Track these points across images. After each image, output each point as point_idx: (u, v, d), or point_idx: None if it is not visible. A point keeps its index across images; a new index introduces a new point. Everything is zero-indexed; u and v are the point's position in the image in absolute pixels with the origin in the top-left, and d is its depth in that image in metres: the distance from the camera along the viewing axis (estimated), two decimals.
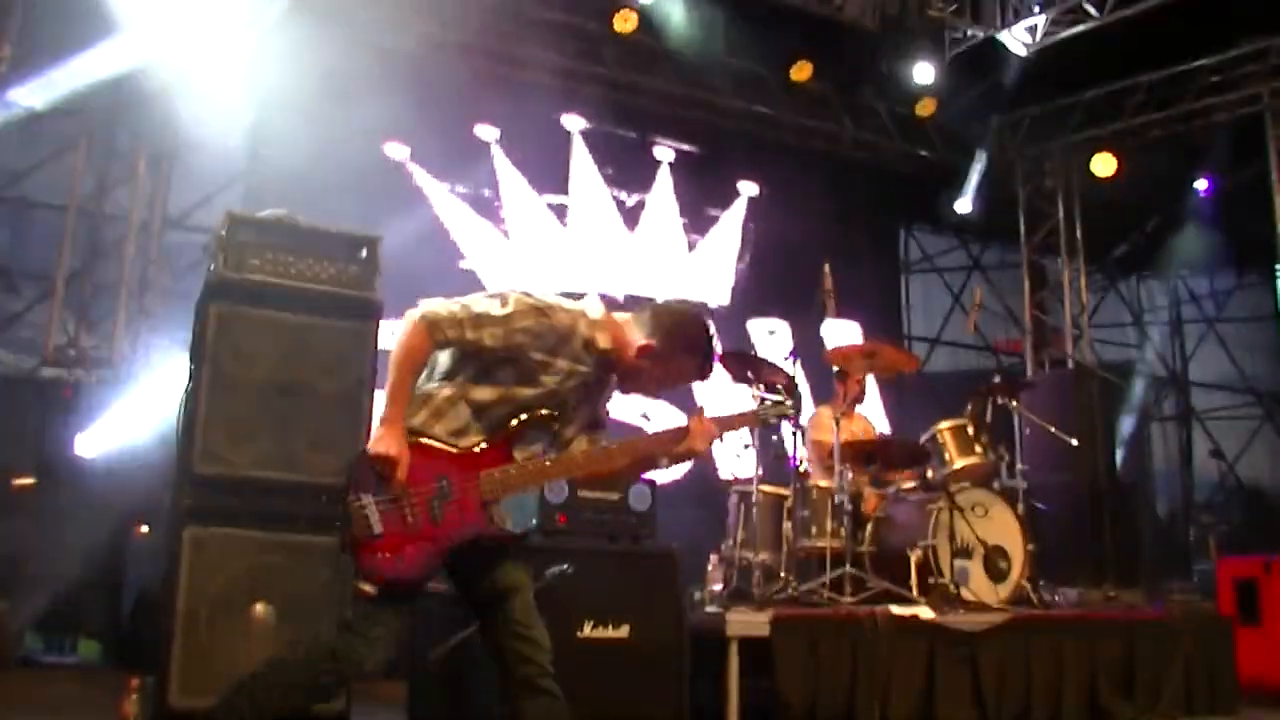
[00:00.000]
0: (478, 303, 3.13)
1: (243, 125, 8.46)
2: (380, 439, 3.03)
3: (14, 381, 8.05)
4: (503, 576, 3.17)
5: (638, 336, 3.27)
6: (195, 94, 8.20)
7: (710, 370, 3.38)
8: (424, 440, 3.11)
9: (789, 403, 3.70)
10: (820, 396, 7.65)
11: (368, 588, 3.00)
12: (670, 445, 3.28)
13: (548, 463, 3.21)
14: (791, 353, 6.21)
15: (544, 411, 3.20)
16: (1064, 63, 9.26)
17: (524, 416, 3.17)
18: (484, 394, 3.18)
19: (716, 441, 3.35)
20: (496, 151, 8.70)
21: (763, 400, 3.56)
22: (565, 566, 4.62)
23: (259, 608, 4.22)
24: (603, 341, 3.25)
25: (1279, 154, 9.31)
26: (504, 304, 3.12)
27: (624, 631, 4.71)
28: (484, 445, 3.15)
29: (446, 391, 3.17)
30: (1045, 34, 8.98)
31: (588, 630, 4.64)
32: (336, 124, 7.52)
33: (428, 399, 3.15)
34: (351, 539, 3.03)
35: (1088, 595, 6.83)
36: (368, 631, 3.05)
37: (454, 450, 3.12)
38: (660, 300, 3.40)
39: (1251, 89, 9.45)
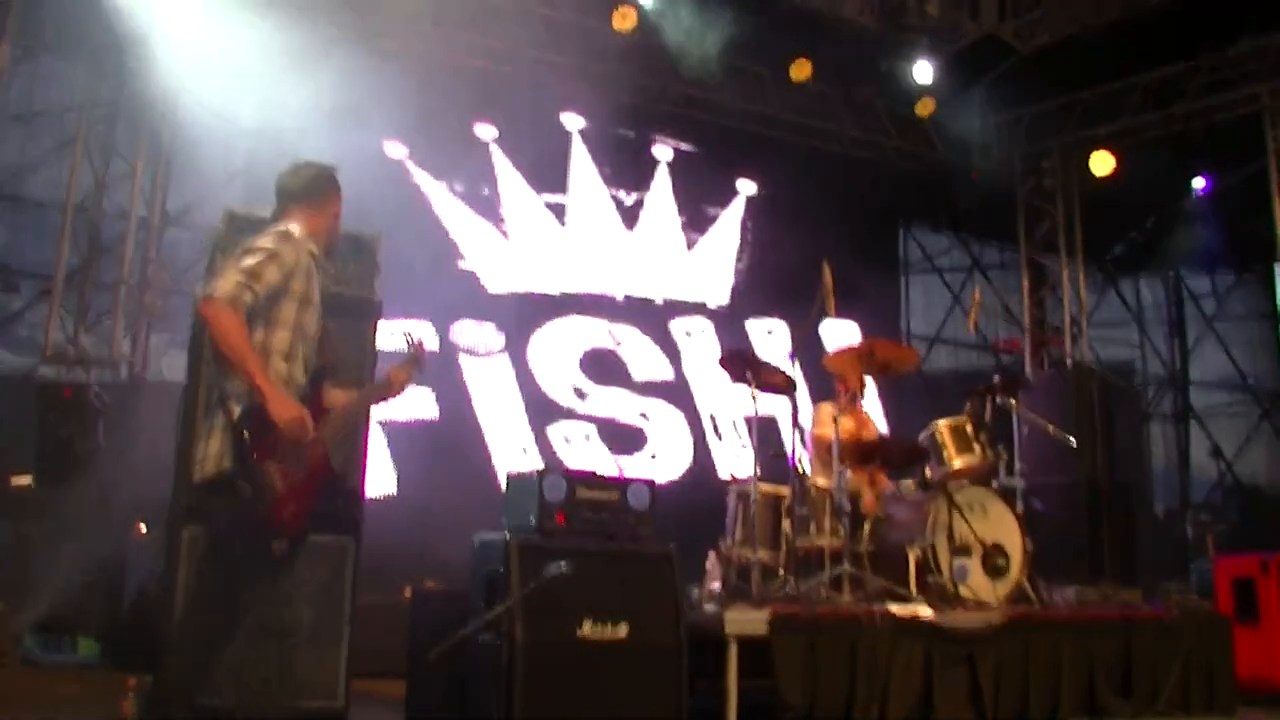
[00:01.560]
0: (243, 262, 3.43)
1: (242, 123, 8.46)
2: (279, 405, 3.28)
3: (13, 380, 8.05)
4: None
5: (301, 216, 3.70)
6: (194, 92, 8.20)
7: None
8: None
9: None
10: (819, 396, 7.64)
11: (280, 545, 3.32)
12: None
13: (346, 404, 3.76)
14: (790, 353, 6.21)
15: (314, 330, 3.61)
16: (1063, 62, 9.26)
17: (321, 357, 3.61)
18: (281, 336, 3.51)
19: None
20: (495, 150, 8.70)
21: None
22: (563, 566, 4.63)
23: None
24: (313, 244, 3.69)
25: (1277, 153, 9.31)
26: (261, 250, 3.46)
27: (622, 631, 4.70)
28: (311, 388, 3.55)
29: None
30: (1044, 33, 8.97)
31: (586, 630, 4.63)
32: (335, 123, 7.51)
33: None
34: (263, 504, 3.24)
35: (1086, 594, 6.81)
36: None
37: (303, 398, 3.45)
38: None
39: (1250, 88, 9.44)
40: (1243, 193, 10.23)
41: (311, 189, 3.78)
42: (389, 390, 3.98)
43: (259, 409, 3.27)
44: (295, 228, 3.62)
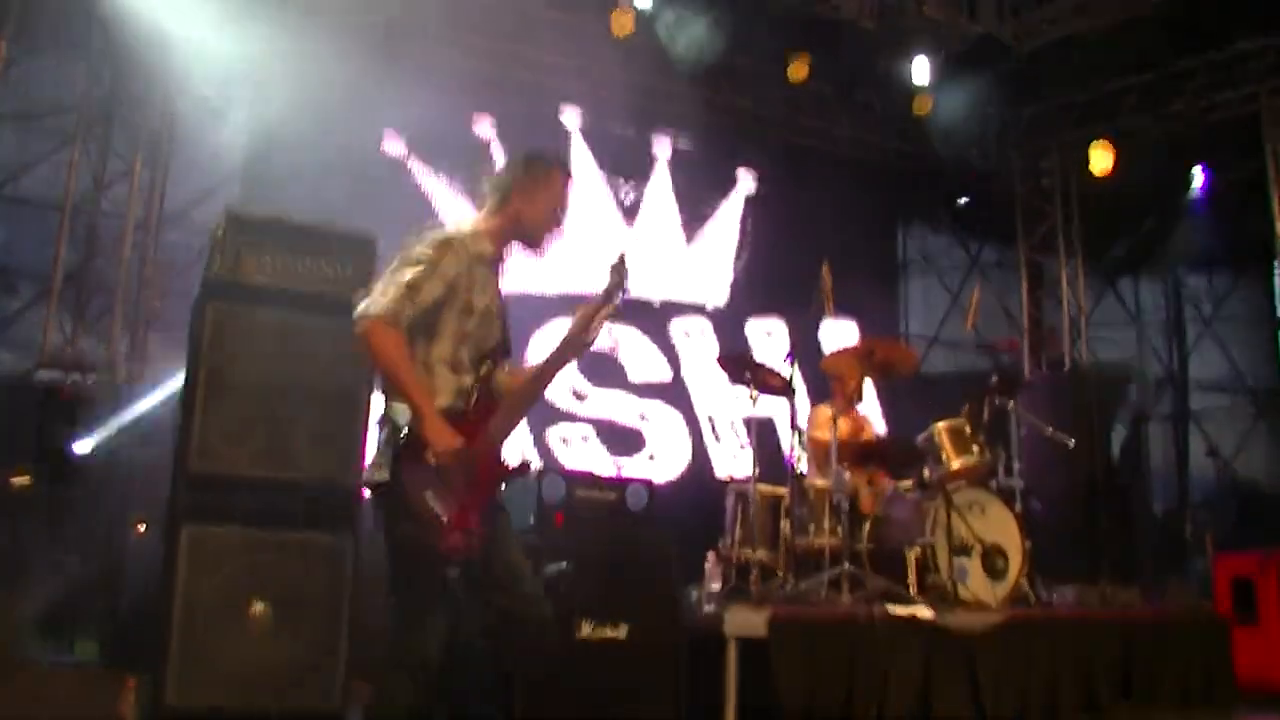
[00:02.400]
0: (402, 275, 3.28)
1: (240, 123, 8.45)
2: (442, 434, 3.14)
3: (11, 381, 8.04)
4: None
5: (495, 210, 3.52)
6: (192, 91, 8.20)
7: (569, 172, 3.61)
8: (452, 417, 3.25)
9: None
10: (818, 397, 7.64)
11: (452, 572, 3.20)
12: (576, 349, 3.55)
13: (521, 385, 3.48)
14: (789, 354, 6.20)
15: (492, 343, 3.44)
16: (1061, 61, 9.26)
17: (487, 362, 3.39)
18: (444, 347, 3.33)
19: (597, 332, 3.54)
20: (495, 148, 8.69)
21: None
22: (563, 566, 4.63)
23: (256, 606, 4.22)
24: (485, 243, 3.48)
25: (1275, 153, 9.32)
26: (421, 262, 3.29)
27: (622, 631, 4.71)
28: (474, 404, 3.32)
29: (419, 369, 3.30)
30: (1043, 32, 8.98)
31: (585, 630, 4.63)
32: (334, 121, 7.51)
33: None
34: (427, 533, 3.11)
35: (1085, 594, 6.82)
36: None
37: (462, 419, 3.25)
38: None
39: (1249, 88, 9.45)
40: (1241, 193, 10.23)
41: (512, 183, 3.53)
42: (577, 345, 3.53)
43: (419, 435, 3.15)
44: (465, 230, 3.46)
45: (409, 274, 3.27)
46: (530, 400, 3.50)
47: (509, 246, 3.55)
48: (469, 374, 3.33)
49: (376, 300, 3.23)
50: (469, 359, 3.35)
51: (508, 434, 3.37)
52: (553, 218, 3.55)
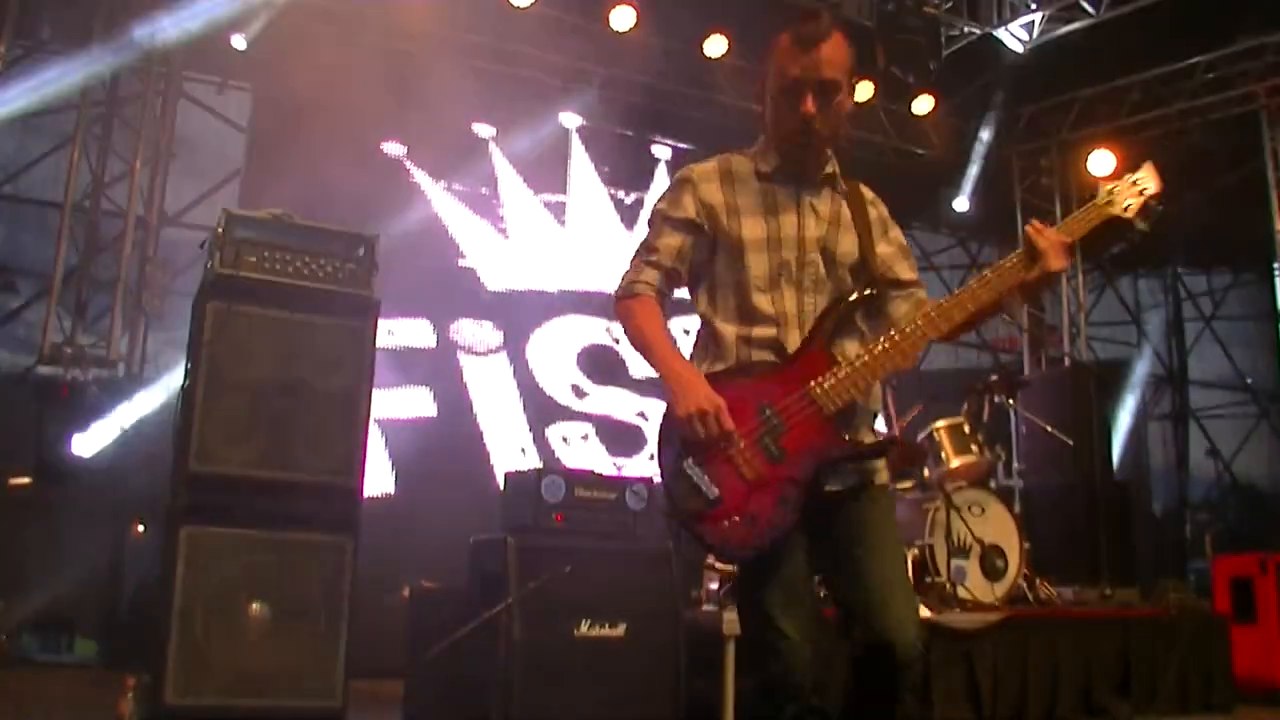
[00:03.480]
0: (643, 239, 2.85)
1: (240, 122, 8.46)
2: (684, 396, 2.55)
3: (10, 379, 8.05)
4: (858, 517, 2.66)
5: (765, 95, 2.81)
6: (192, 91, 8.20)
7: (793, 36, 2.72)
8: (723, 378, 2.65)
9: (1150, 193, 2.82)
10: None
11: (725, 566, 2.81)
12: (1019, 275, 2.68)
13: (884, 346, 2.62)
14: None
15: (802, 275, 2.71)
16: (1061, 60, 9.26)
17: (834, 311, 2.68)
18: (725, 303, 2.76)
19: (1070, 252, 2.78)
20: (494, 149, 8.69)
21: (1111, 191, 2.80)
22: (563, 566, 4.63)
23: (255, 606, 4.22)
24: (759, 161, 2.80)
25: (1274, 152, 9.32)
26: (652, 215, 2.85)
27: (620, 630, 4.71)
28: (798, 353, 2.65)
29: (700, 336, 2.82)
30: (1042, 31, 8.99)
31: (584, 629, 4.64)
32: (334, 121, 7.51)
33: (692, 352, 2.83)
34: (687, 516, 2.55)
35: (1084, 593, 6.84)
36: (774, 616, 2.62)
37: (764, 376, 2.64)
38: None
39: (1248, 87, 9.45)
40: (1241, 192, 10.24)
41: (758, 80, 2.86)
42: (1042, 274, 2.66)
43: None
44: (706, 164, 2.85)
45: (645, 235, 2.84)
46: (882, 369, 2.64)
47: (796, 152, 2.77)
48: (772, 329, 2.67)
49: (622, 274, 2.84)
50: (769, 308, 2.69)
51: (843, 400, 2.57)
52: (782, 102, 2.73)
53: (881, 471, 2.74)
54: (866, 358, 2.61)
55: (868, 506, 2.67)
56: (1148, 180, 2.80)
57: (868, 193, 2.90)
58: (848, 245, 2.77)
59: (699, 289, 2.83)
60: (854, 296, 2.71)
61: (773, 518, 2.52)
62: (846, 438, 2.60)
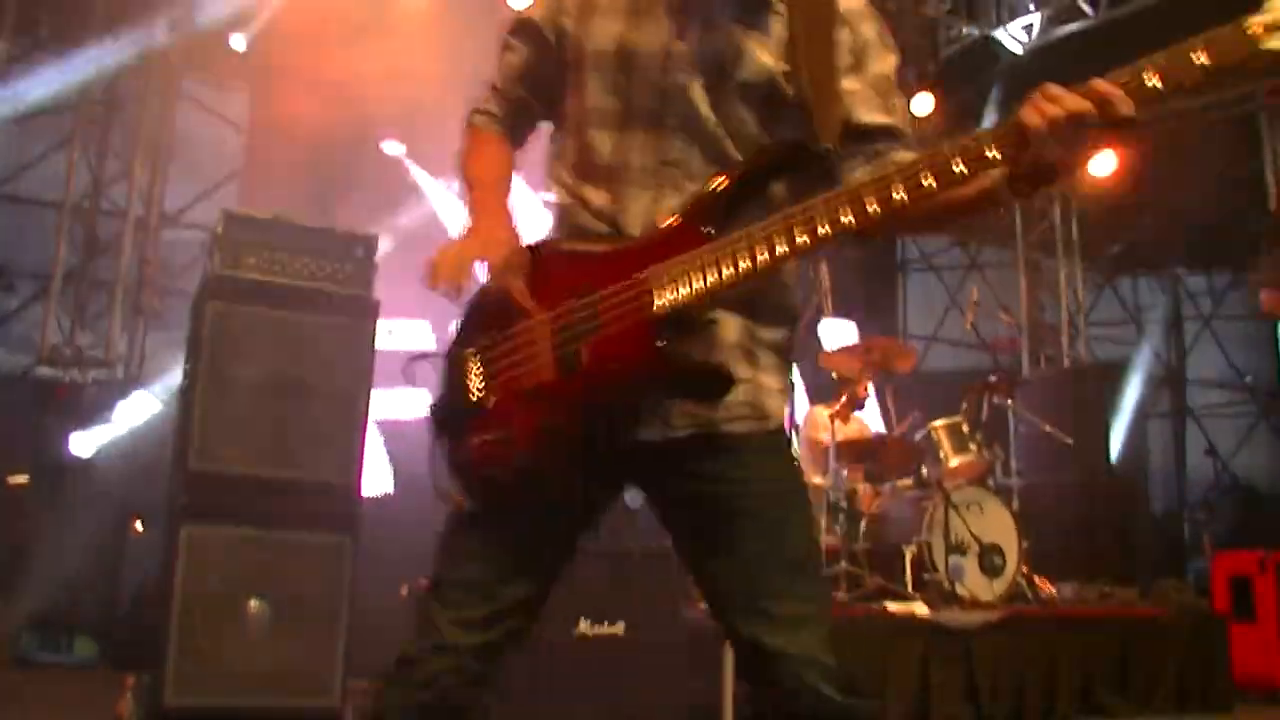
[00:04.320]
0: None
1: (239, 122, 8.46)
2: (469, 237, 1.94)
3: (9, 380, 8.05)
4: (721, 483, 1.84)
5: None
6: (191, 91, 8.20)
7: None
8: (554, 244, 1.96)
9: None
10: (815, 396, 7.64)
11: (458, 498, 1.84)
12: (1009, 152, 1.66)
13: (783, 220, 1.70)
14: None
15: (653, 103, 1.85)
16: (1061, 61, 9.26)
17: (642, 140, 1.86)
18: (565, 144, 2.03)
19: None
20: None
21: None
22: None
23: (254, 605, 4.22)
24: None
25: (1275, 151, 9.32)
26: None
27: (620, 629, 4.72)
28: (664, 229, 1.79)
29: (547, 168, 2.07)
30: (1041, 32, 9.00)
31: (583, 627, 4.64)
32: (333, 121, 7.51)
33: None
34: (442, 414, 1.90)
35: (1083, 592, 6.84)
36: (454, 576, 1.88)
37: (597, 255, 1.84)
38: None
39: (1247, 87, 9.45)
40: (1240, 192, 10.24)
41: None
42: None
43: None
44: None
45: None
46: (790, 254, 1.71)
47: None
48: (596, 178, 1.93)
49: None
50: (602, 146, 1.92)
51: (702, 293, 1.71)
52: None
53: (739, 418, 1.85)
54: (745, 234, 1.71)
55: (729, 469, 1.84)
56: None
57: (847, 1, 1.93)
58: (753, 72, 1.84)
59: (555, 128, 2.10)
60: (767, 152, 1.82)
61: (527, 450, 1.77)
62: (668, 352, 1.73)
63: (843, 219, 1.66)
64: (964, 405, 6.50)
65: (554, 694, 4.48)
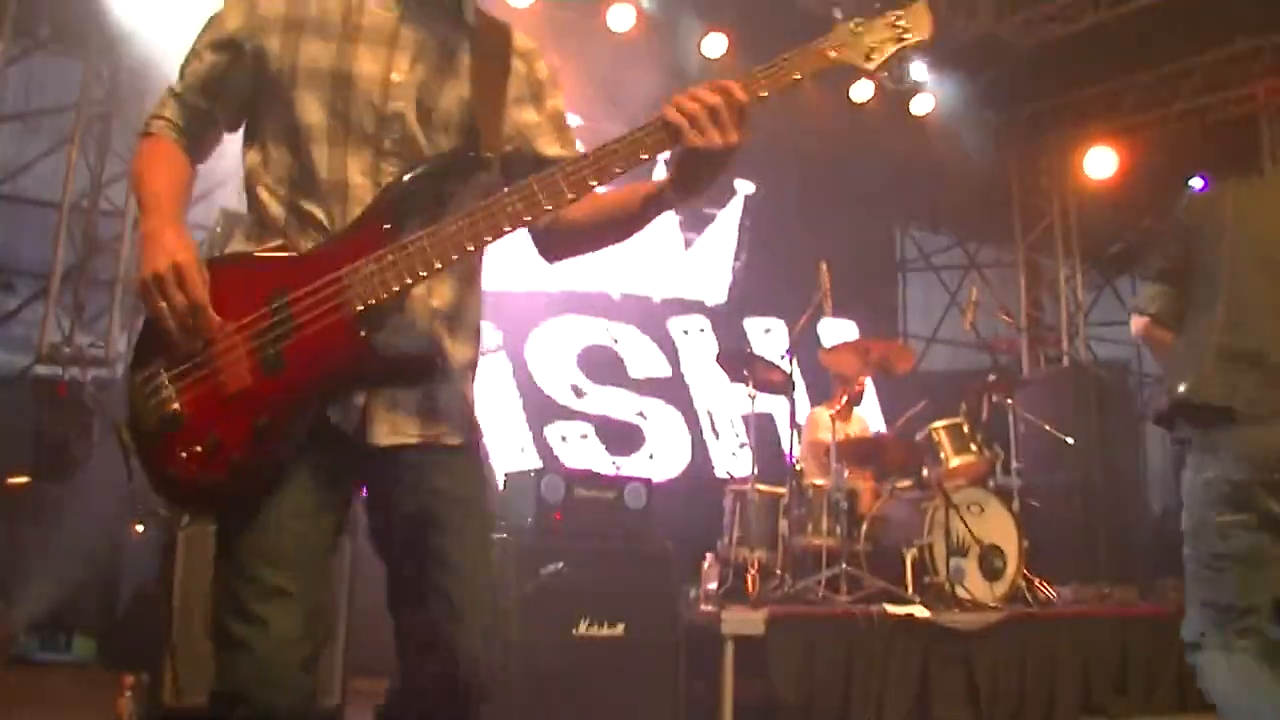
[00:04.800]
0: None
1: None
2: (149, 256, 1.87)
3: (8, 379, 8.04)
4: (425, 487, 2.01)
5: None
6: None
7: None
8: (239, 260, 2.00)
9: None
10: (816, 394, 7.65)
11: (163, 511, 1.86)
12: (659, 147, 1.99)
13: (461, 223, 1.91)
14: (788, 350, 6.23)
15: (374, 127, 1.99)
16: (1061, 60, 9.26)
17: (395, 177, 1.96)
18: (248, 155, 2.11)
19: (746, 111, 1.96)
20: None
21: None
22: (560, 565, 4.64)
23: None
24: None
25: (1273, 152, 9.32)
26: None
27: (619, 629, 4.71)
28: (346, 231, 1.95)
29: (249, 205, 2.11)
30: (1042, 31, 8.98)
31: (583, 628, 4.64)
32: None
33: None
34: (141, 436, 1.89)
35: (1082, 592, 6.84)
36: (241, 594, 1.93)
37: (288, 254, 1.96)
38: None
39: (1247, 87, 9.44)
40: None
41: None
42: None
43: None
44: None
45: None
46: (463, 246, 1.91)
47: None
48: (314, 192, 2.01)
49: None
50: (320, 160, 2.00)
51: (388, 294, 1.88)
52: None
53: (457, 430, 2.07)
54: (428, 236, 1.89)
55: (439, 469, 2.01)
56: (918, 23, 2.05)
57: (523, 41, 2.19)
58: (451, 101, 2.06)
59: (252, 139, 2.12)
60: (443, 163, 1.99)
61: (242, 453, 1.83)
62: (372, 341, 1.88)
63: (522, 212, 1.91)
64: (964, 406, 6.50)
65: (554, 695, 4.48)
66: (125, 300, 7.95)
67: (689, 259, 9.35)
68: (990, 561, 5.77)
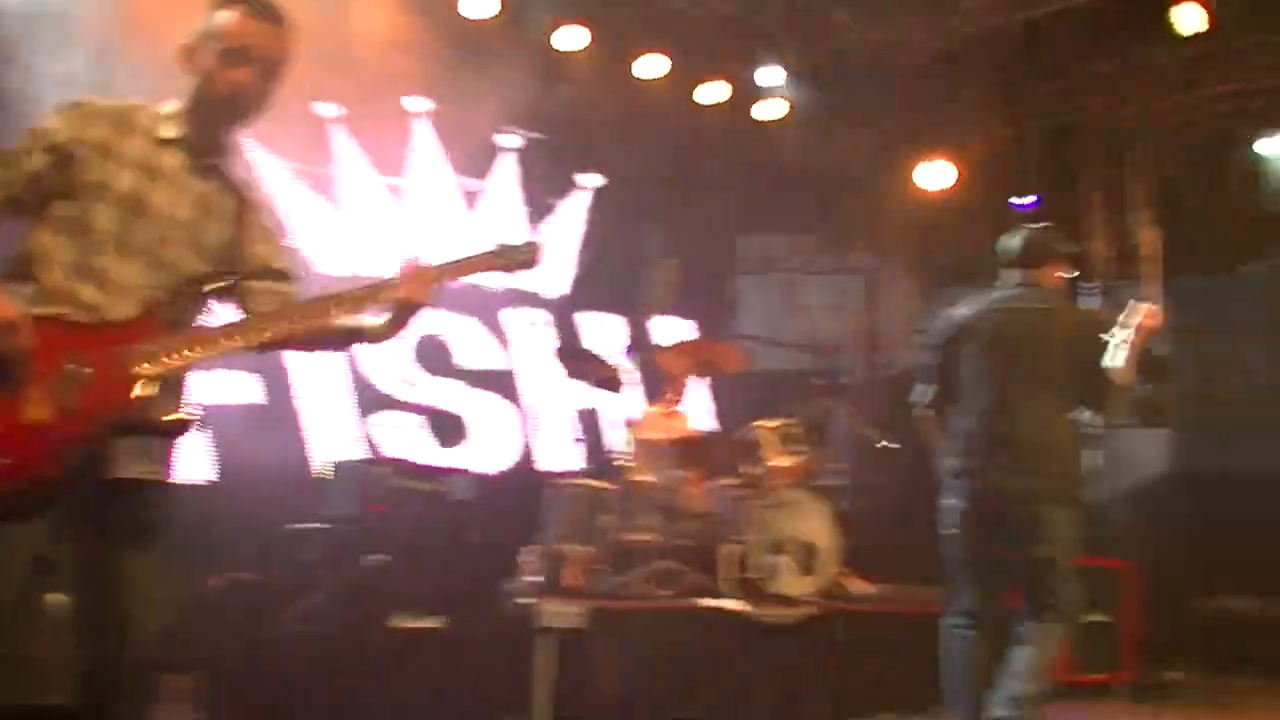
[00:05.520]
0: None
1: None
2: None
3: None
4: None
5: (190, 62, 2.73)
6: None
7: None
8: (37, 320, 2.43)
9: (529, 245, 3.00)
10: (650, 393, 7.71)
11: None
12: (380, 293, 2.80)
13: (227, 330, 2.64)
14: (628, 349, 6.29)
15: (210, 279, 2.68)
16: (904, 78, 9.43)
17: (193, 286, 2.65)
18: (41, 236, 2.57)
19: (436, 288, 2.91)
20: (336, 130, 8.47)
21: (502, 247, 2.96)
22: (385, 556, 4.60)
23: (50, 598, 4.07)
24: (170, 121, 2.73)
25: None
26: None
27: (438, 622, 4.70)
28: (133, 317, 2.54)
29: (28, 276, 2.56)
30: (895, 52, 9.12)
31: (399, 620, 4.62)
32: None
33: None
34: None
35: (897, 591, 7.07)
36: None
37: (89, 322, 2.50)
38: None
39: (1074, 114, 9.77)
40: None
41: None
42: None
43: None
44: (107, 102, 2.78)
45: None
46: (226, 347, 2.63)
47: (211, 117, 2.74)
48: (96, 284, 2.54)
49: None
50: (108, 263, 2.56)
51: (165, 368, 2.49)
52: (219, 63, 2.69)
53: (161, 469, 2.64)
54: (205, 334, 2.62)
55: (145, 506, 2.60)
56: (524, 255, 3.14)
57: (263, 197, 2.93)
58: (215, 237, 2.73)
59: (42, 227, 2.57)
60: (210, 282, 2.66)
61: (41, 468, 2.33)
62: (142, 401, 2.43)
63: (260, 335, 2.64)
64: (791, 407, 6.65)
65: (371, 687, 4.45)
66: None
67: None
68: (805, 559, 5.93)
